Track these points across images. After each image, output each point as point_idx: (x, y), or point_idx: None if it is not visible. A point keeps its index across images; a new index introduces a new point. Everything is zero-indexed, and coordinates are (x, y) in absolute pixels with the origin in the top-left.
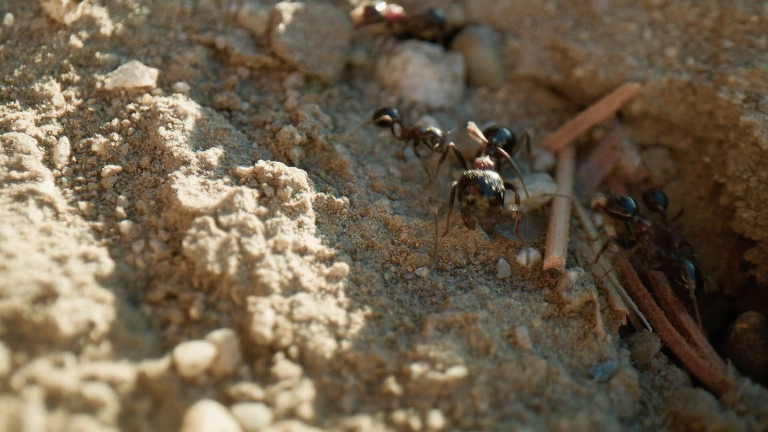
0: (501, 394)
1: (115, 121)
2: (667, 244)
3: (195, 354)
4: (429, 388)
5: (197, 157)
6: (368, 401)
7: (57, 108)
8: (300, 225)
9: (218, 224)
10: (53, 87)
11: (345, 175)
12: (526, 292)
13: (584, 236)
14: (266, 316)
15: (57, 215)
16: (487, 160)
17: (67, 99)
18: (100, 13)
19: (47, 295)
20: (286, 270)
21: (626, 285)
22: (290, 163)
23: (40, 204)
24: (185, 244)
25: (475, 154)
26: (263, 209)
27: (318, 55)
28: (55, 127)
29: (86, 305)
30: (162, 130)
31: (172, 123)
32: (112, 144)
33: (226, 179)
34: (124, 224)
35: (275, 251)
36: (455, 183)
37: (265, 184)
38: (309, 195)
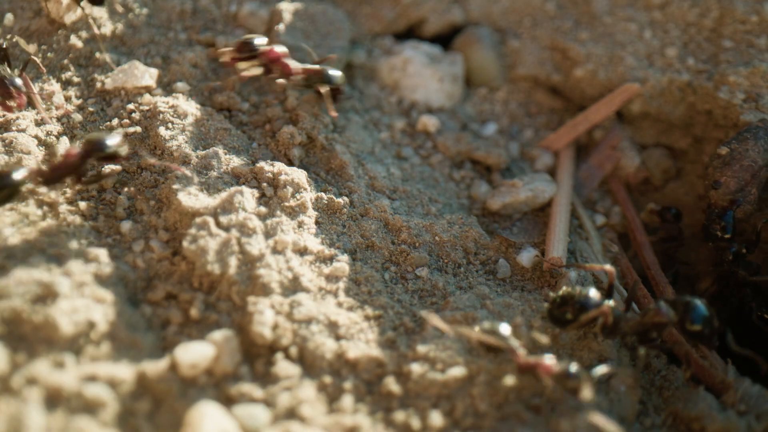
0: (501, 394)
1: (115, 121)
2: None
3: (195, 354)
4: (429, 388)
5: (197, 157)
6: (368, 401)
7: (57, 108)
8: (300, 225)
9: (218, 224)
10: (53, 87)
11: (345, 175)
12: (526, 292)
13: (584, 236)
14: (266, 316)
15: (57, 215)
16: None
17: (67, 99)
18: (100, 13)
19: (47, 295)
20: (286, 270)
21: (626, 285)
22: (290, 163)
23: (40, 204)
24: (185, 244)
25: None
26: (263, 209)
27: (318, 55)
28: (55, 127)
29: (86, 305)
30: (162, 130)
31: (172, 123)
32: None
33: (226, 179)
34: (124, 224)
35: (275, 251)
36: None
37: (265, 184)
38: (309, 195)
